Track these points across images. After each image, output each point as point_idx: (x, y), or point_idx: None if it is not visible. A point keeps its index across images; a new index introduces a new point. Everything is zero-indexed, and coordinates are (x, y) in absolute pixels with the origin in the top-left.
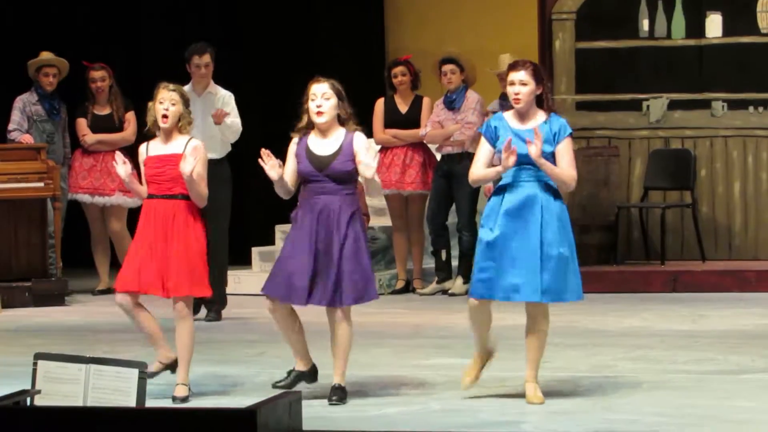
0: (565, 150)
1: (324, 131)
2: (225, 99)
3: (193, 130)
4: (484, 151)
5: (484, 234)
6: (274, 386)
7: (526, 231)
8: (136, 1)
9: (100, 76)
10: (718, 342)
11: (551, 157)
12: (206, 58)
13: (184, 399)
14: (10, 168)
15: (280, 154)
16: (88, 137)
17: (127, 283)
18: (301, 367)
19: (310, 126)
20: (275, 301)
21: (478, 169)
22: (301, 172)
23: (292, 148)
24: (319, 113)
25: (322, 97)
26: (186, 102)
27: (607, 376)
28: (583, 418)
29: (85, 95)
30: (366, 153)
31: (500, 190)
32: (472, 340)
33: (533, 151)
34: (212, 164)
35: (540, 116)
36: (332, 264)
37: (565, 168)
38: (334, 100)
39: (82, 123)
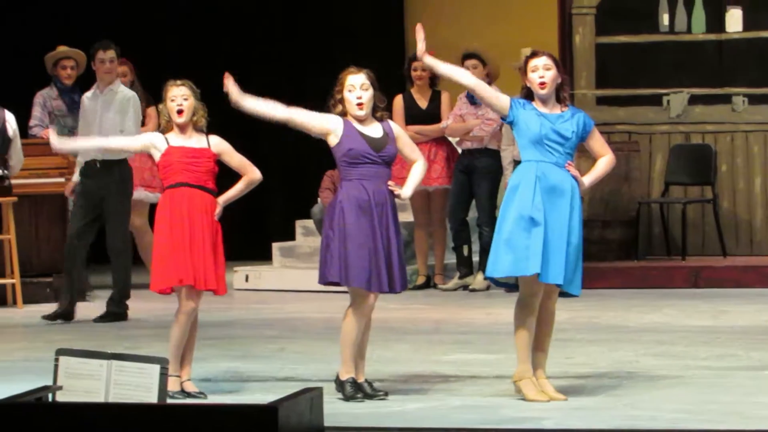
0: (597, 137)
1: (362, 121)
2: (125, 100)
3: (91, 127)
4: (500, 97)
5: (521, 208)
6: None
7: (557, 212)
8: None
9: (121, 72)
10: (740, 338)
11: (574, 147)
12: (111, 53)
13: (200, 393)
14: (31, 163)
15: (295, 147)
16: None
17: (187, 278)
18: (355, 375)
19: (344, 114)
20: (368, 292)
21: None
22: (356, 150)
23: (336, 121)
24: (359, 105)
25: (361, 89)
26: (197, 95)
27: (629, 372)
28: (604, 414)
29: None
30: (408, 138)
31: (527, 167)
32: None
33: (586, 182)
34: (111, 164)
35: (558, 106)
36: (393, 249)
37: (602, 151)
38: (371, 91)
39: None
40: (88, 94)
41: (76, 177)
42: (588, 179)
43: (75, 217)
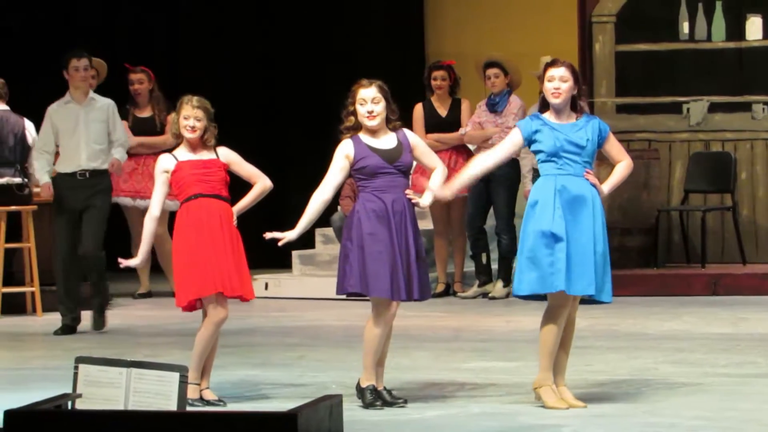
0: (613, 142)
1: (375, 132)
2: (111, 108)
3: (75, 138)
4: (512, 140)
5: (542, 224)
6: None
7: (580, 223)
8: (175, 2)
9: (138, 79)
10: (760, 345)
11: (593, 155)
12: (84, 61)
13: (219, 401)
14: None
15: (319, 154)
16: (130, 140)
17: (214, 286)
18: (375, 383)
19: (358, 126)
20: (390, 302)
21: (491, 152)
22: (370, 167)
23: (346, 148)
24: (370, 117)
25: (372, 102)
26: (210, 116)
27: (648, 380)
28: (623, 421)
29: (125, 98)
30: (425, 146)
31: (546, 182)
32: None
33: (606, 190)
34: (97, 174)
35: (573, 116)
36: (411, 258)
37: (620, 156)
38: (383, 103)
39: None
40: (58, 105)
41: (45, 179)
42: (607, 186)
43: (61, 231)
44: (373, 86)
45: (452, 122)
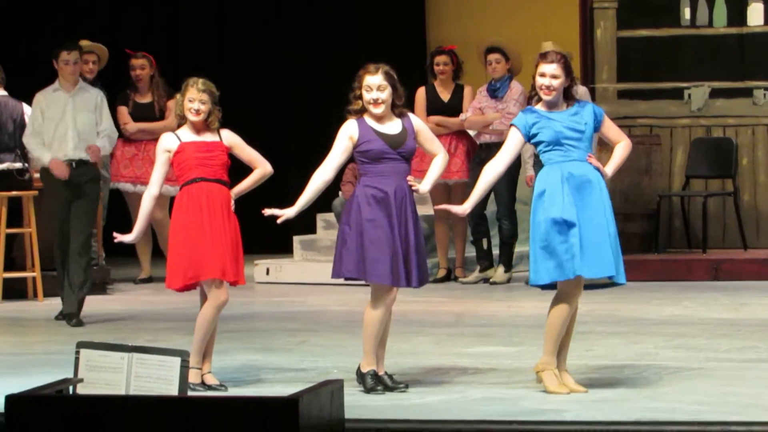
0: (609, 124)
1: (380, 118)
2: (99, 98)
3: (66, 127)
4: (514, 141)
5: (552, 212)
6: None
7: (591, 207)
8: None
9: (139, 65)
10: (760, 330)
11: (592, 139)
12: (75, 54)
13: (220, 386)
14: None
15: (324, 136)
16: (130, 126)
17: (215, 271)
18: (376, 367)
19: (364, 110)
20: (390, 287)
21: (498, 158)
22: (374, 151)
23: (350, 128)
24: (375, 105)
25: (377, 90)
26: (215, 99)
27: (649, 365)
28: (624, 406)
29: (126, 83)
30: (429, 132)
31: (551, 170)
32: (545, 341)
33: (609, 172)
34: (85, 164)
35: (565, 105)
36: (410, 245)
37: (618, 137)
38: (389, 90)
39: (123, 111)
40: (45, 93)
41: (47, 156)
42: (610, 168)
43: (54, 223)
44: (380, 73)
45: (454, 107)
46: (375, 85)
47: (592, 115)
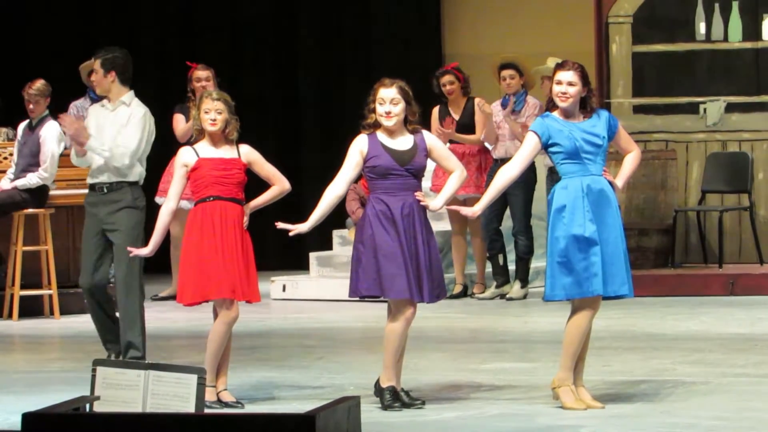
0: (622, 134)
1: (392, 132)
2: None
3: (100, 142)
4: (531, 146)
5: (574, 228)
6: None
7: (607, 224)
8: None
9: (205, 76)
10: None
11: (606, 151)
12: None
13: (237, 403)
14: (67, 174)
15: (335, 151)
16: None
17: (225, 290)
18: (396, 382)
19: (377, 124)
20: (409, 302)
21: (513, 162)
22: (381, 167)
23: (361, 143)
24: (387, 117)
25: (390, 103)
26: (231, 109)
27: (665, 380)
28: (641, 422)
29: (184, 96)
30: (444, 149)
31: (571, 184)
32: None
33: (620, 184)
34: (117, 188)
35: (582, 116)
36: (420, 261)
37: (629, 147)
38: (402, 104)
39: (181, 121)
40: (95, 105)
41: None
42: (620, 181)
43: (82, 257)
44: (394, 87)
45: (464, 124)
46: (388, 98)
47: (608, 126)
